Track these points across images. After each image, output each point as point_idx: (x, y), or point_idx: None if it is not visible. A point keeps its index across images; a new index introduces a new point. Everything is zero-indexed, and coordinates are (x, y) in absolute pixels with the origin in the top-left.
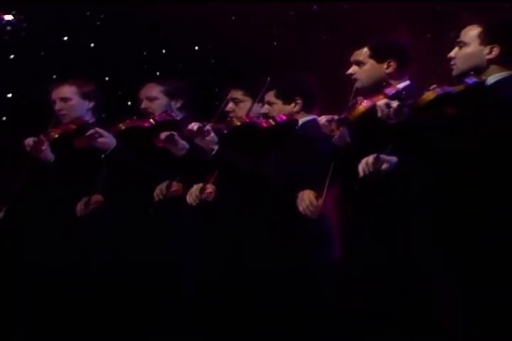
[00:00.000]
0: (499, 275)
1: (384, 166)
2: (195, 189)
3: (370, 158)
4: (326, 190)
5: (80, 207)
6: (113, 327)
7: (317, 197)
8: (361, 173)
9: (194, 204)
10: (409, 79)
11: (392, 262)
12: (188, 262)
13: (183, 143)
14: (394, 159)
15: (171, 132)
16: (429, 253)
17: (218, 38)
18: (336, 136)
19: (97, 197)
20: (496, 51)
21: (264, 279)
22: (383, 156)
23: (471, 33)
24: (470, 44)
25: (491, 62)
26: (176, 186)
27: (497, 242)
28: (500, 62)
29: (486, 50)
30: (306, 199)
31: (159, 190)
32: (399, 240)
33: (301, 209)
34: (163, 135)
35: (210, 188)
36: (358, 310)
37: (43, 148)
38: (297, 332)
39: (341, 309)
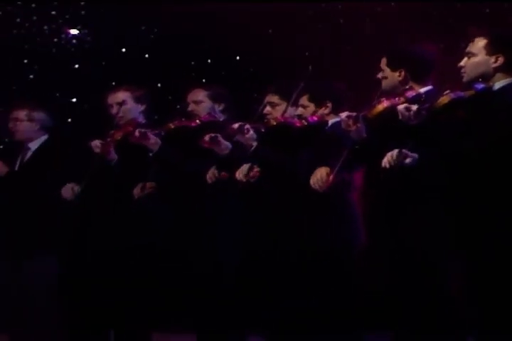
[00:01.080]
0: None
1: (407, 160)
2: (245, 167)
3: (395, 152)
4: (336, 169)
5: (136, 190)
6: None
7: (328, 174)
8: (385, 165)
9: (244, 180)
10: (432, 85)
11: (406, 247)
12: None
13: (226, 144)
14: (415, 155)
15: (215, 134)
16: (441, 243)
17: (256, 49)
18: (353, 131)
19: (151, 184)
20: (500, 60)
21: (297, 259)
22: (406, 151)
23: (479, 44)
24: (477, 54)
25: (496, 70)
26: (225, 174)
27: (505, 238)
28: (505, 69)
29: (492, 59)
30: (318, 174)
31: (211, 173)
32: (413, 227)
33: (311, 182)
34: (207, 136)
35: (256, 168)
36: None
37: (109, 149)
38: (325, 306)
39: (363, 288)
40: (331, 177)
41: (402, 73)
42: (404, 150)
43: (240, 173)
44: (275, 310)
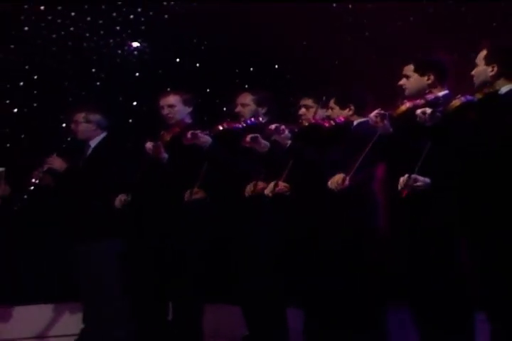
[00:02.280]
0: None
1: (418, 183)
2: (271, 185)
3: (405, 177)
4: (351, 174)
5: (187, 195)
6: None
7: (344, 179)
8: (399, 188)
9: (270, 195)
10: (448, 89)
11: (423, 231)
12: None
13: (265, 143)
14: (427, 180)
15: (255, 134)
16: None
17: (292, 59)
18: (380, 127)
19: (198, 190)
20: (495, 69)
21: (327, 242)
22: (415, 176)
23: (480, 55)
24: (479, 64)
25: (494, 77)
26: (261, 184)
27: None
28: (506, 76)
29: (489, 68)
30: (335, 179)
31: (248, 188)
32: (428, 214)
33: (329, 184)
34: (248, 137)
35: (281, 185)
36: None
37: (161, 150)
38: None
39: (385, 266)
40: (347, 181)
41: (431, 77)
42: (413, 176)
43: (268, 190)
44: (311, 287)
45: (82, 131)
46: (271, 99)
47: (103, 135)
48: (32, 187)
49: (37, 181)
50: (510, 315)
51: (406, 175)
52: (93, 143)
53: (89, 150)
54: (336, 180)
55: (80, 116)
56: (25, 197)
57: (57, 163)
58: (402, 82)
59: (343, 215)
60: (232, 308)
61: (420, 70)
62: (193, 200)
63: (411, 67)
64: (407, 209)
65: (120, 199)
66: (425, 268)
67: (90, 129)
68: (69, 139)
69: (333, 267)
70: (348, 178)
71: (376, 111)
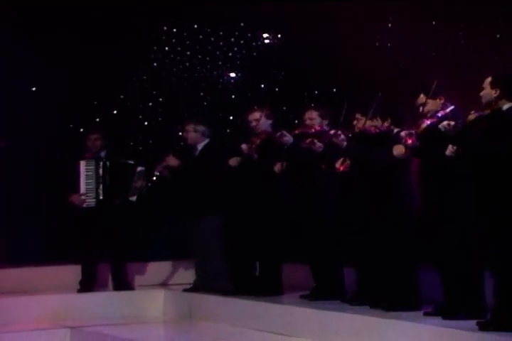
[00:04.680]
0: None
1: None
2: (340, 160)
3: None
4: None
5: (276, 167)
6: None
7: (405, 150)
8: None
9: (341, 169)
10: (453, 105)
11: (448, 210)
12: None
13: (320, 145)
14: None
15: (313, 138)
16: (469, 208)
17: (346, 84)
18: (410, 143)
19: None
20: (497, 92)
21: (374, 216)
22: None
23: (486, 81)
24: (486, 88)
25: (497, 98)
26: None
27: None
28: (506, 98)
29: (493, 91)
30: (398, 147)
31: (278, 166)
32: (452, 198)
33: (394, 152)
34: (308, 140)
35: (347, 161)
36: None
37: (252, 150)
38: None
39: (418, 235)
40: (407, 151)
41: (498, 91)
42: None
43: (338, 163)
44: (363, 249)
45: (191, 138)
46: (331, 113)
47: (206, 141)
48: (154, 178)
49: (157, 173)
50: (508, 273)
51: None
52: (199, 147)
53: (197, 152)
54: (399, 149)
55: (190, 127)
56: (149, 184)
57: (172, 161)
58: (482, 92)
59: (390, 198)
60: (303, 266)
61: (492, 84)
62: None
63: (489, 79)
64: (435, 194)
65: (235, 159)
66: (448, 239)
67: (197, 136)
68: (182, 144)
69: (381, 235)
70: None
71: (405, 131)
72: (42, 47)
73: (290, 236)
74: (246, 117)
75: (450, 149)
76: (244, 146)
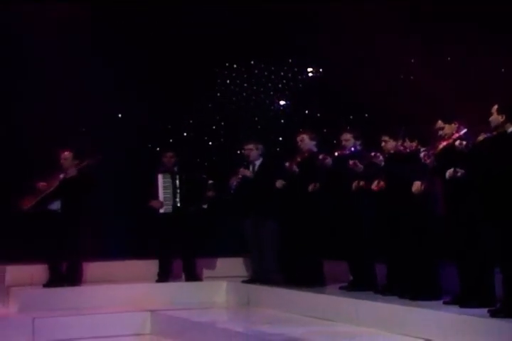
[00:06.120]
0: None
1: (458, 174)
2: (375, 182)
3: (451, 169)
4: (426, 183)
5: (310, 187)
6: None
7: (421, 185)
8: (447, 176)
9: (376, 189)
10: (466, 128)
11: (463, 215)
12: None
13: (361, 166)
14: (463, 171)
15: (355, 160)
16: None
17: (376, 109)
18: (428, 162)
19: (316, 185)
20: (503, 117)
21: (405, 218)
22: (457, 169)
23: (494, 108)
24: (494, 113)
25: (503, 123)
26: (362, 183)
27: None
28: (511, 122)
29: (500, 117)
30: (415, 184)
31: (354, 184)
32: (466, 206)
33: (413, 189)
34: (351, 162)
35: (381, 182)
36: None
37: (293, 166)
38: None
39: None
40: (422, 187)
41: (503, 117)
42: (456, 169)
43: (374, 185)
44: (393, 249)
45: (252, 155)
46: (362, 134)
47: (261, 159)
48: (234, 186)
49: (234, 183)
50: None
51: (452, 169)
52: (257, 163)
53: (256, 167)
54: (415, 186)
55: (250, 146)
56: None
57: (247, 172)
58: (490, 118)
59: (418, 206)
60: (343, 262)
61: (498, 111)
62: (313, 191)
63: (495, 106)
64: (454, 204)
65: (281, 182)
66: (465, 240)
67: (257, 154)
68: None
69: (409, 237)
70: (423, 184)
71: (424, 153)
72: (127, 82)
73: (332, 237)
74: (293, 138)
75: (450, 172)
76: (287, 163)
